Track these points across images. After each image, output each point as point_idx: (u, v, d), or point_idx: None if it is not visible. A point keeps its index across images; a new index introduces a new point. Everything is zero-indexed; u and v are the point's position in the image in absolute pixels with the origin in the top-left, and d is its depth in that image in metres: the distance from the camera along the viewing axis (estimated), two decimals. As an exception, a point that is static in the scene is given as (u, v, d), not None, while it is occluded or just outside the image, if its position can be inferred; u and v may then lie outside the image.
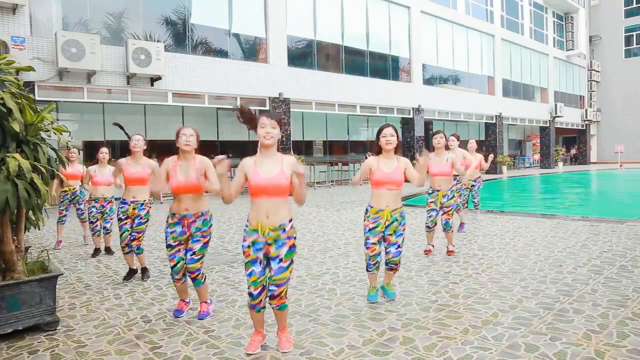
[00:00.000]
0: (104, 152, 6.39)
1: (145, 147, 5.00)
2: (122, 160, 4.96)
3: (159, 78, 12.21)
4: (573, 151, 35.03)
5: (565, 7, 30.46)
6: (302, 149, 18.75)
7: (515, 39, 26.29)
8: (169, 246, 3.73)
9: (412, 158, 20.76)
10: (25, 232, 3.86)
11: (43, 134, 3.75)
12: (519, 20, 26.91)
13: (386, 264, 4.01)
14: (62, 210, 7.08)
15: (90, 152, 14.79)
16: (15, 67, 3.80)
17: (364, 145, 23.32)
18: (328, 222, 8.73)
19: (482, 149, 20.51)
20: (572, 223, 7.88)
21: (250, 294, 2.98)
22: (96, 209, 6.38)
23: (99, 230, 6.41)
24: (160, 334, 3.44)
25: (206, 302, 3.86)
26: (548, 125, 28.91)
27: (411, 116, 19.71)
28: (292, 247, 3.00)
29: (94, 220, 6.40)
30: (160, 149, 15.47)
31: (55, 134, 3.80)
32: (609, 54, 35.33)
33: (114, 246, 6.46)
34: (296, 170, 2.93)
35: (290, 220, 3.01)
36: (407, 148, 20.07)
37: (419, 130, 19.91)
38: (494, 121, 24.14)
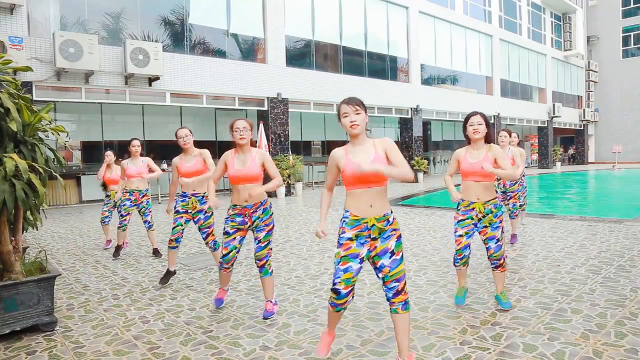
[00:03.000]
0: (136, 145, 6.23)
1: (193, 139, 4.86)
2: (175, 159, 4.79)
3: (157, 78, 12.19)
4: (571, 151, 35.09)
5: (563, 7, 30.52)
6: (301, 149, 18.75)
7: (513, 39, 26.33)
8: (226, 233, 3.74)
9: (411, 158, 20.65)
10: (23, 233, 3.85)
11: (41, 134, 3.74)
12: (516, 21, 26.94)
13: (490, 261, 3.78)
14: (105, 211, 6.83)
15: (88, 153, 14.79)
16: (12, 67, 3.79)
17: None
18: (327, 222, 8.71)
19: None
20: (570, 223, 7.89)
21: (336, 291, 2.68)
22: (130, 201, 6.19)
23: (125, 225, 6.19)
24: (159, 335, 3.44)
25: (271, 302, 3.80)
26: (546, 125, 28.97)
27: (409, 116, 19.72)
28: (399, 239, 2.76)
29: (125, 214, 6.17)
30: (159, 150, 15.50)
31: (53, 134, 3.79)
32: (607, 54, 35.41)
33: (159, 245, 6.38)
34: (386, 149, 2.74)
35: (392, 212, 2.81)
36: (405, 148, 20.10)
37: (418, 131, 19.93)
38: (492, 121, 24.16)
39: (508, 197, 6.68)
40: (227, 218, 3.78)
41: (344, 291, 2.67)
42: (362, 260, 2.71)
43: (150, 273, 5.29)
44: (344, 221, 2.76)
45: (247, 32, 14.99)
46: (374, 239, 2.71)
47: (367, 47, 18.29)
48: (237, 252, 3.78)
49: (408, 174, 2.62)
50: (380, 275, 2.71)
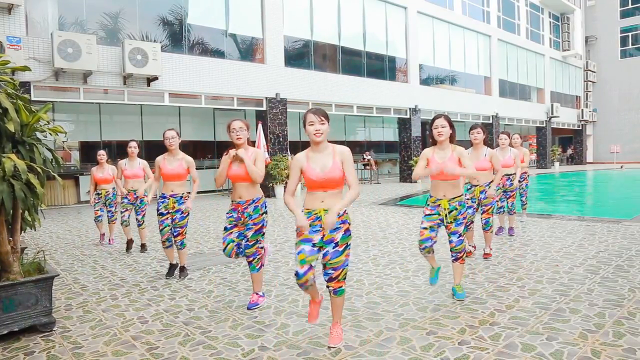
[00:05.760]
0: (133, 147, 6.55)
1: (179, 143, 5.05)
2: (159, 158, 4.99)
3: (156, 78, 12.17)
4: (569, 151, 35.13)
5: (561, 7, 30.55)
6: (299, 149, 18.74)
7: (512, 39, 26.35)
8: (224, 229, 4.00)
9: (409, 158, 20.63)
10: (21, 233, 3.84)
11: (39, 135, 3.73)
12: (515, 21, 26.96)
13: (451, 254, 4.06)
14: (97, 210, 7.20)
15: (86, 153, 14.77)
16: (11, 67, 3.78)
17: (361, 146, 23.32)
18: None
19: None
20: (568, 223, 7.90)
21: (296, 273, 3.00)
22: (128, 199, 6.56)
23: (127, 220, 6.62)
24: (157, 335, 3.44)
25: (257, 294, 4.04)
26: (544, 125, 29.01)
27: (408, 116, 19.73)
28: (347, 232, 3.07)
29: (123, 210, 6.59)
30: (157, 150, 15.50)
31: (51, 134, 3.78)
32: (605, 55, 35.45)
33: (147, 242, 6.74)
34: (343, 160, 3.05)
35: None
36: (403, 148, 20.12)
37: (416, 131, 19.94)
38: (490, 121, 24.19)
39: (507, 196, 7.03)
40: (227, 213, 4.03)
41: (301, 271, 2.98)
42: (314, 245, 3.02)
43: (149, 273, 5.29)
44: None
45: (246, 32, 14.98)
46: (324, 228, 3.01)
47: (366, 47, 18.29)
48: (236, 245, 3.95)
49: (357, 196, 3.08)
50: (322, 260, 3.06)
